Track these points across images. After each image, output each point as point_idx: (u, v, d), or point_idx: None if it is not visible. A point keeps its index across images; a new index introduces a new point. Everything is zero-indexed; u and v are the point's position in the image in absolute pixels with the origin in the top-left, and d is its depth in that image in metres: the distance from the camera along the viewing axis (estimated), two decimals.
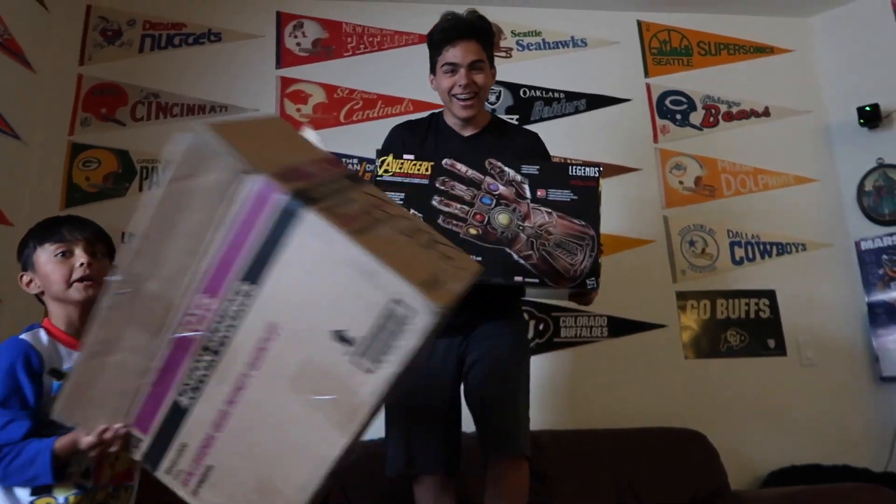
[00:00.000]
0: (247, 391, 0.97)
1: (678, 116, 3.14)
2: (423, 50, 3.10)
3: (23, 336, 1.37)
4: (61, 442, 1.22)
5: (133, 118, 2.87)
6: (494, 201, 1.63)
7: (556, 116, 3.05)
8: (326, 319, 0.90)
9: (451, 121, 1.92)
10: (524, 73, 3.07)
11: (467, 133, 1.90)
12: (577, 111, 3.09)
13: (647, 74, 3.19)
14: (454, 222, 1.61)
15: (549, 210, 1.62)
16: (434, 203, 1.62)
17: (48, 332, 1.40)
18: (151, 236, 0.98)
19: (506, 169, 1.65)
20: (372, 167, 1.64)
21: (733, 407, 2.76)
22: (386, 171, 1.65)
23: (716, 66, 3.24)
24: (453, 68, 1.82)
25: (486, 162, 1.66)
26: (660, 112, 3.14)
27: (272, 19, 3.07)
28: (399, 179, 1.65)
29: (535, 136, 1.95)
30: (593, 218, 1.64)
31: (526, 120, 2.98)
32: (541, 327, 2.77)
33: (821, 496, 2.09)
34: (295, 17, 3.09)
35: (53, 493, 1.29)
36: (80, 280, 1.39)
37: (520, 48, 3.14)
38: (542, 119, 3.00)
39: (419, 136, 1.91)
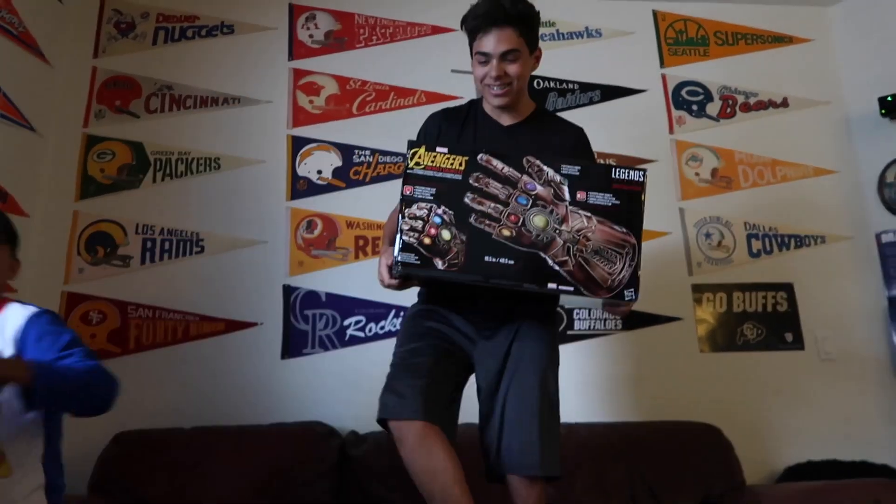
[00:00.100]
0: None
1: (694, 107, 3.10)
2: (435, 41, 3.14)
3: None
4: None
5: (147, 110, 2.88)
6: (531, 202, 1.53)
7: (570, 108, 3.02)
8: None
9: (489, 108, 1.84)
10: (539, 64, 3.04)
11: (507, 122, 1.82)
12: (591, 102, 3.06)
13: (662, 65, 3.15)
14: (487, 222, 1.52)
15: (589, 214, 1.53)
16: (467, 200, 1.53)
17: None
18: None
19: (545, 168, 1.55)
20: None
21: (749, 401, 2.73)
22: (417, 163, 1.55)
23: (733, 56, 3.20)
24: (485, 58, 1.72)
25: (525, 159, 1.55)
26: (676, 103, 3.10)
27: (285, 11, 3.06)
28: (431, 174, 1.54)
29: (579, 131, 1.85)
30: (635, 225, 1.54)
31: None
32: None
33: (838, 492, 2.06)
34: (307, 9, 3.08)
35: None
36: None
37: None
38: (556, 110, 2.97)
39: (457, 124, 1.83)
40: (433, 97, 2.95)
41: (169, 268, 2.71)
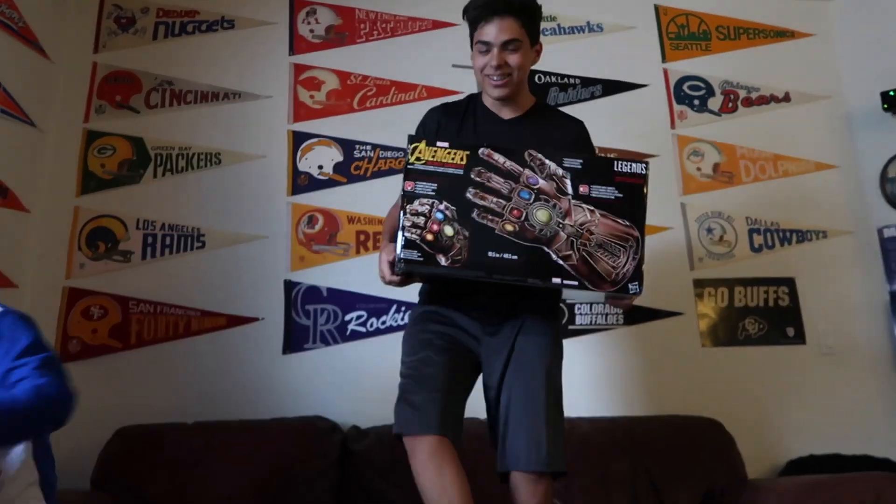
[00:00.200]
0: None
1: (696, 102, 3.09)
2: (436, 36, 3.13)
3: None
4: None
5: (147, 105, 2.88)
6: (533, 196, 1.51)
7: (571, 102, 3.01)
8: None
9: (488, 101, 1.82)
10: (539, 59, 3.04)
11: (507, 116, 1.80)
12: (592, 97, 3.05)
13: (664, 59, 3.14)
14: (489, 217, 1.50)
15: (592, 208, 1.51)
16: (469, 196, 1.51)
17: None
18: None
19: (547, 161, 1.53)
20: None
21: (751, 395, 2.73)
22: (418, 158, 1.53)
23: (735, 51, 3.18)
24: (486, 47, 1.70)
25: (526, 153, 1.53)
26: (677, 98, 3.09)
27: (285, 6, 3.06)
28: (432, 169, 1.52)
29: (580, 125, 1.83)
30: (638, 218, 1.52)
31: None
32: None
33: (840, 485, 2.05)
34: (308, 4, 3.07)
35: None
36: None
37: None
38: (557, 105, 2.96)
39: (456, 119, 1.81)
40: (434, 92, 2.95)
41: (170, 263, 2.71)
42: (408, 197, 1.51)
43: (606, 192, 1.53)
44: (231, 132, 2.87)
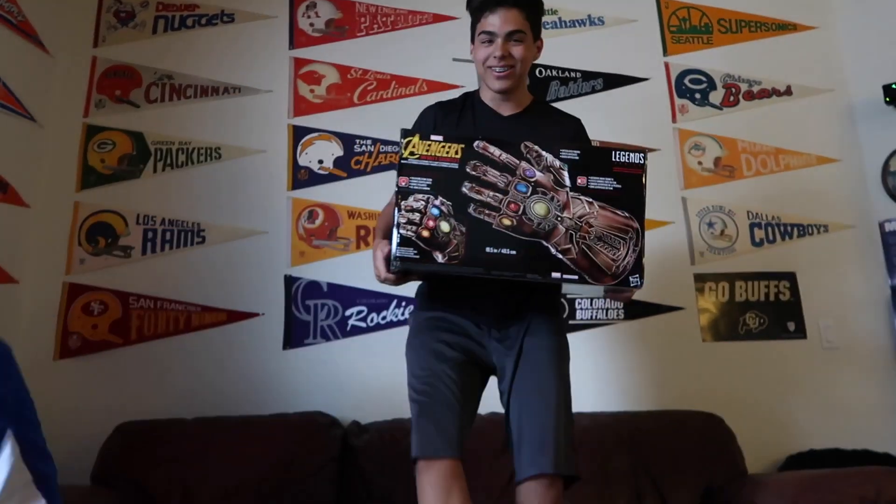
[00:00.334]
0: None
1: (697, 96, 3.08)
2: (437, 30, 3.12)
3: None
4: None
5: (147, 100, 2.87)
6: (530, 189, 1.47)
7: (572, 96, 3.00)
8: None
9: (487, 97, 1.79)
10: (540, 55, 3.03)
11: (507, 113, 1.77)
12: (593, 91, 3.04)
13: (665, 53, 3.12)
14: (486, 212, 1.46)
15: (590, 199, 1.48)
16: (464, 190, 1.47)
17: None
18: None
19: (543, 153, 1.49)
20: (397, 149, 1.54)
21: (751, 390, 2.73)
22: (412, 153, 1.50)
23: (736, 44, 3.17)
24: (490, 38, 1.67)
25: (522, 145, 1.49)
26: (679, 91, 3.08)
27: None
28: (426, 163, 1.48)
29: (578, 122, 1.81)
30: (638, 209, 1.49)
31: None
32: None
33: (840, 480, 2.05)
34: None
35: None
36: None
37: None
38: (558, 99, 2.95)
39: (454, 116, 1.78)
40: (434, 86, 2.94)
41: (170, 258, 2.71)
42: (402, 192, 1.48)
43: (605, 183, 1.49)
44: (231, 127, 2.86)
